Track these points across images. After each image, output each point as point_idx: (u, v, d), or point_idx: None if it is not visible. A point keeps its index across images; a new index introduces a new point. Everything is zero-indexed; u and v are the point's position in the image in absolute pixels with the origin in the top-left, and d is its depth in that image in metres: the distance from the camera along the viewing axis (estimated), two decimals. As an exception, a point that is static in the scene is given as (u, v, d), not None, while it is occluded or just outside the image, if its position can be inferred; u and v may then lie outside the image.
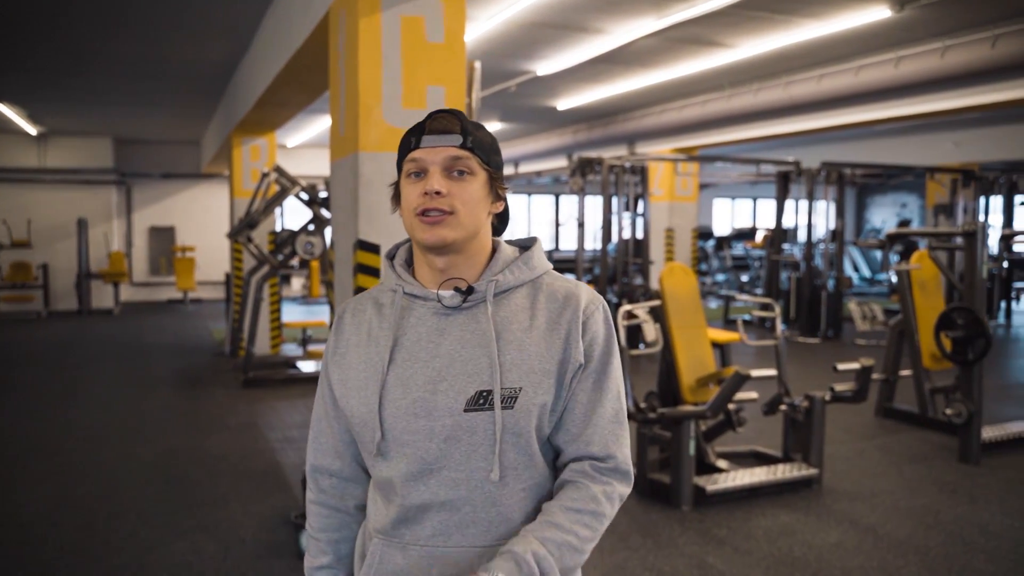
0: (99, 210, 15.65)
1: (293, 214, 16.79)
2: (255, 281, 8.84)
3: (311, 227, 8.40)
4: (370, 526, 1.47)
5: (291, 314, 13.56)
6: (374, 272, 3.77)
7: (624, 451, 1.44)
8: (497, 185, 1.44)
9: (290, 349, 10.47)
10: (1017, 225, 15.87)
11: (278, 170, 8.40)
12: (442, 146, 1.36)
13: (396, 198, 1.44)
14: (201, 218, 16.89)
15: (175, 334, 12.34)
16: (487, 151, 1.41)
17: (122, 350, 10.87)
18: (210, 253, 16.60)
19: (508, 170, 18.03)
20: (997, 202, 14.13)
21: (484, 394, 1.34)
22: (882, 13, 6.61)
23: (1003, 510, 4.85)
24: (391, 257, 1.51)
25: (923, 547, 4.31)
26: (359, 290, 3.79)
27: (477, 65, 4.00)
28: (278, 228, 11.23)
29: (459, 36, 3.82)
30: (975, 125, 13.65)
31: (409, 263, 1.50)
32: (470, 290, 1.39)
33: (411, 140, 1.39)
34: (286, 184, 8.38)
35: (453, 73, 3.82)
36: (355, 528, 1.55)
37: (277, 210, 10.48)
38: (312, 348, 9.98)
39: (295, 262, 9.26)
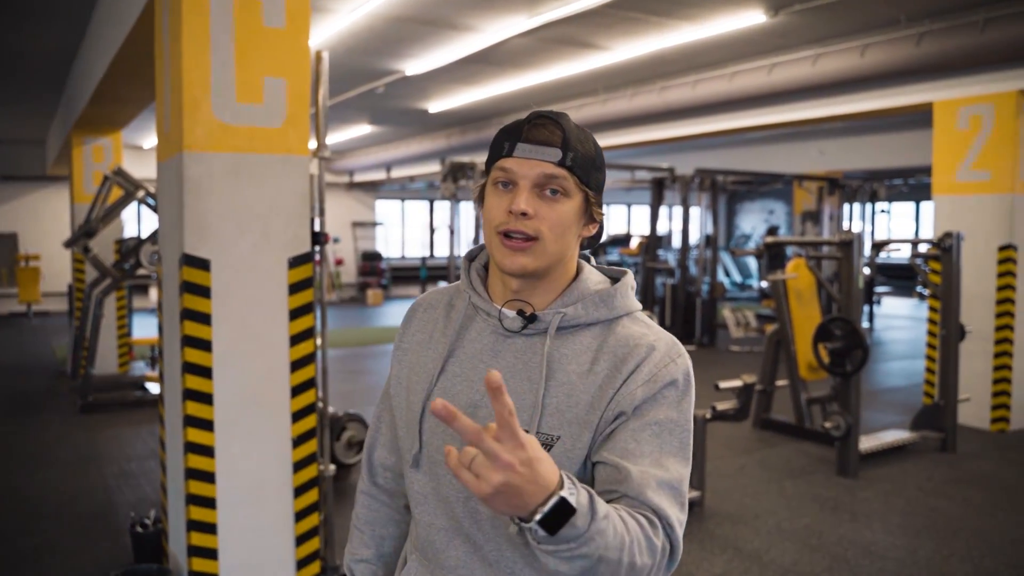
0: (-73, 215, 14.23)
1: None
2: (96, 295, 8.03)
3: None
4: (409, 543, 1.41)
5: (146, 329, 12.59)
6: (203, 291, 3.25)
7: (678, 528, 1.16)
8: (593, 208, 1.27)
9: (141, 368, 9.63)
10: (879, 232, 16.42)
11: (120, 173, 7.65)
12: (537, 159, 1.21)
13: (480, 199, 1.29)
14: (47, 224, 15.58)
15: (12, 351, 11.23)
16: (587, 169, 1.24)
17: (-54, 371, 9.77)
18: (57, 262, 15.30)
19: (379, 175, 17.47)
20: (856, 209, 14.55)
21: None
22: (757, 18, 6.49)
23: (885, 527, 4.72)
24: (471, 259, 1.39)
25: (810, 574, 4.09)
26: (186, 313, 3.27)
27: (324, 55, 3.54)
28: (134, 236, 10.37)
29: (303, 21, 3.35)
30: (839, 135, 14.00)
31: (487, 268, 1.37)
32: (533, 317, 1.26)
33: (504, 144, 1.23)
34: (129, 188, 7.64)
35: (296, 63, 3.34)
36: (403, 527, 1.49)
37: (129, 217, 9.63)
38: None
39: (153, 273, 8.48)
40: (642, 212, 26.57)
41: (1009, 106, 6.72)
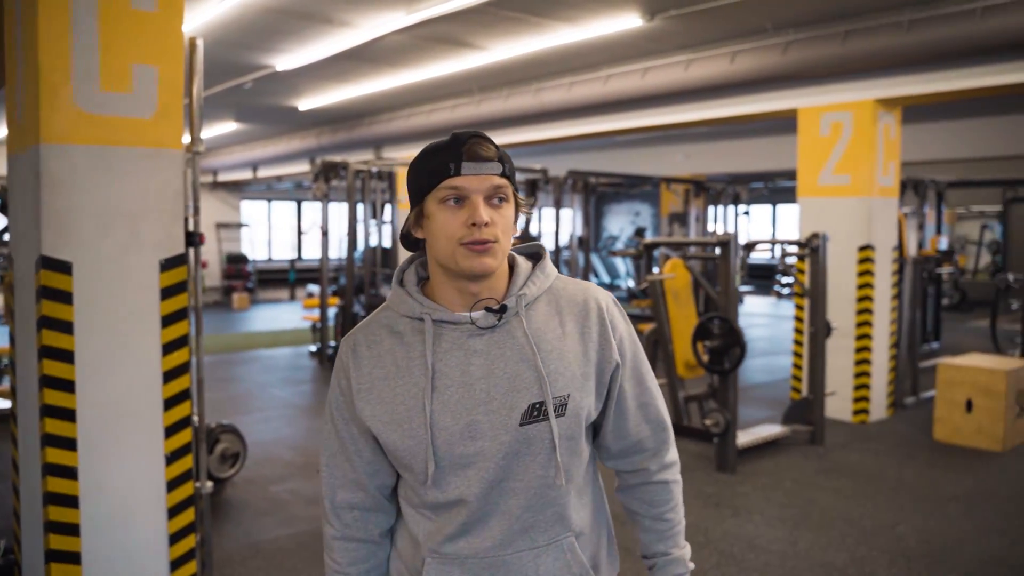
0: None
1: None
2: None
3: (6, 237, 7.10)
4: (422, 547, 1.46)
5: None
6: (64, 297, 2.96)
7: (669, 426, 1.61)
8: (521, 208, 1.44)
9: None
10: (740, 234, 17.05)
11: (-42, 169, 7.03)
12: (484, 174, 1.36)
13: (415, 220, 1.42)
14: None
15: None
16: (514, 176, 1.42)
17: None
18: None
19: (245, 174, 16.87)
20: (720, 211, 15.07)
21: (537, 406, 1.38)
22: (633, 22, 6.56)
23: (765, 520, 4.84)
24: (401, 282, 1.48)
25: (699, 572, 4.14)
26: (45, 321, 2.97)
27: (199, 43, 3.30)
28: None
29: (176, 4, 3.10)
30: (703, 139, 14.47)
31: (418, 285, 1.48)
32: (503, 308, 1.41)
33: (449, 165, 1.36)
34: (-31, 185, 7.03)
35: (168, 50, 3.10)
36: (381, 556, 1.55)
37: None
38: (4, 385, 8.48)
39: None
40: (512, 214, 26.74)
41: (867, 114, 7.05)
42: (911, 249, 9.92)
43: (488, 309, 1.41)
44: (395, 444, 1.41)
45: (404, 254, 12.27)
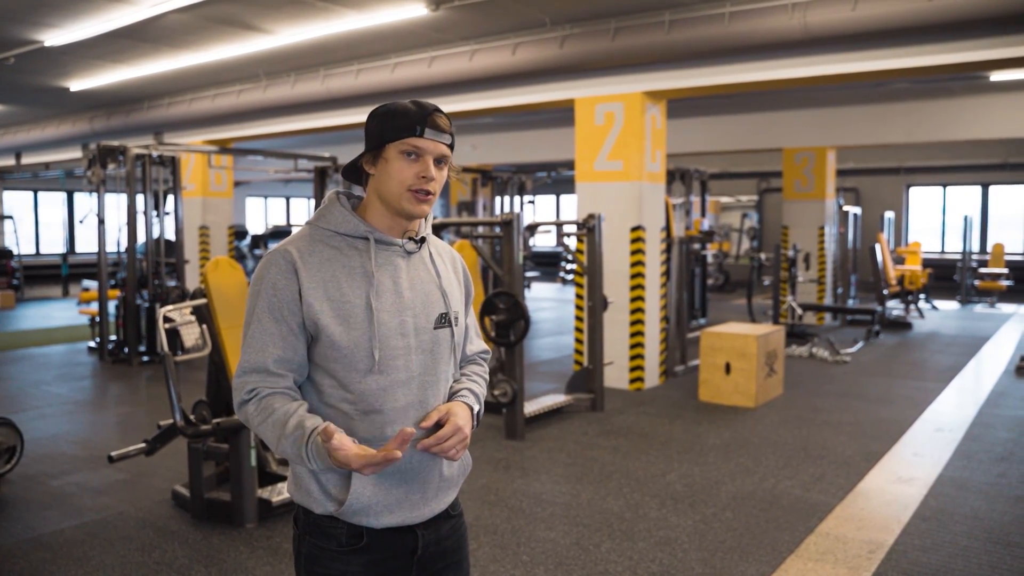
0: None
1: None
2: None
3: None
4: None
5: None
6: None
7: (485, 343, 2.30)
8: (452, 174, 1.83)
9: None
10: (527, 219, 17.72)
11: None
12: (439, 141, 1.73)
13: (372, 158, 1.75)
14: None
15: None
16: (454, 147, 1.79)
17: None
18: None
19: (6, 161, 15.59)
20: (507, 200, 15.60)
21: (443, 316, 1.82)
22: (418, 11, 6.77)
23: (551, 478, 5.22)
24: (339, 207, 1.80)
25: (491, 525, 4.43)
26: None
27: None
28: None
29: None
30: (489, 130, 14.94)
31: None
32: (423, 240, 1.85)
33: (415, 127, 1.70)
34: None
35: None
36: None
37: None
38: None
39: None
40: (300, 204, 26.31)
41: (636, 105, 7.65)
42: (678, 232, 10.79)
43: (411, 239, 1.82)
44: (339, 336, 1.70)
45: (191, 243, 11.85)
